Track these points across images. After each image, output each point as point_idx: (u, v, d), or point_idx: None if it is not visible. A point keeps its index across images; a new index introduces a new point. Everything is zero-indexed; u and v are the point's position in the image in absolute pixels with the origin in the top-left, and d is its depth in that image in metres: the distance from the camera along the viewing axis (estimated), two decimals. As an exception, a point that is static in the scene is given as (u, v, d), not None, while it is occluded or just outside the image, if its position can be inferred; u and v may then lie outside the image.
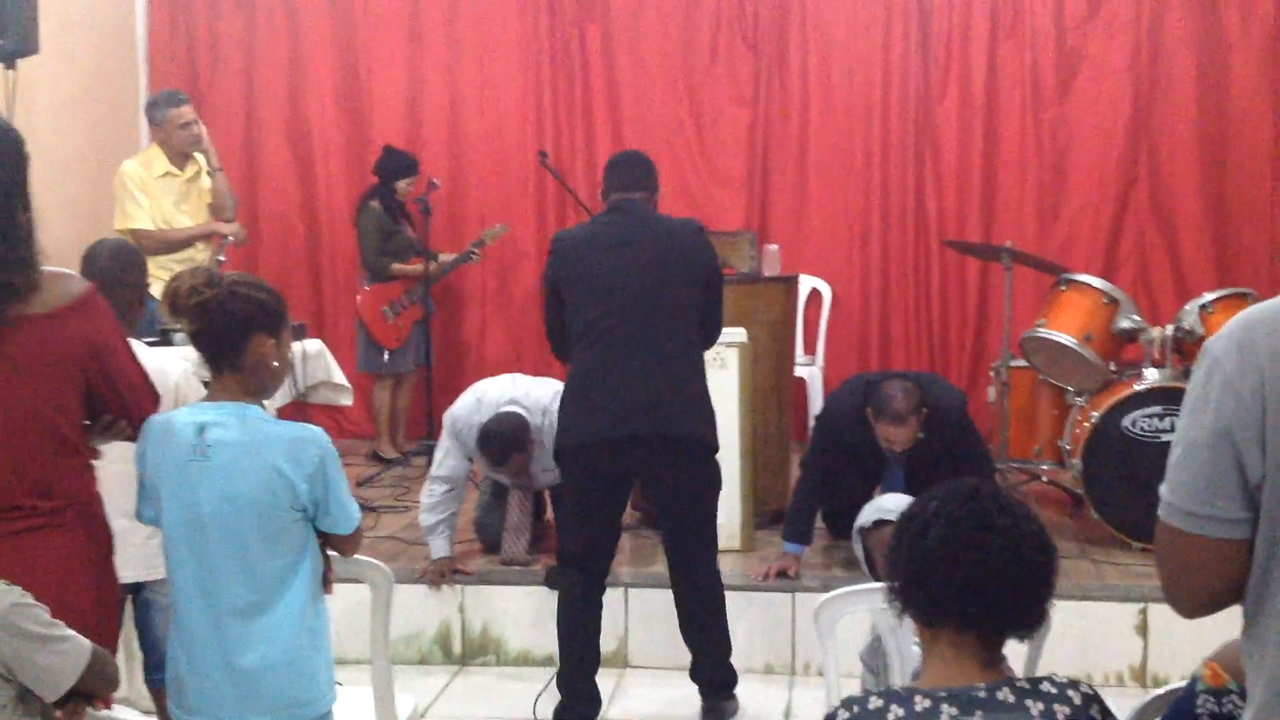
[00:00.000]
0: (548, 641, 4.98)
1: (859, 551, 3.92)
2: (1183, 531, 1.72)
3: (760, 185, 7.44)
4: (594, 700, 4.31)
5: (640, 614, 4.94)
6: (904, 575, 1.96)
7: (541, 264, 7.49)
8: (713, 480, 4.24)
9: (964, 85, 7.22)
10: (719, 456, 4.26)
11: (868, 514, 3.87)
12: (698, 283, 4.15)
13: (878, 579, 3.54)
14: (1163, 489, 1.75)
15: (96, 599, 2.73)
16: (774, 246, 6.22)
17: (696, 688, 4.41)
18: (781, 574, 4.89)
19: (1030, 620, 1.94)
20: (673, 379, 4.06)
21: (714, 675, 4.38)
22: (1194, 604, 1.77)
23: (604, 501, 4.19)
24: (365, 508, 5.73)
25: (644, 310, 4.06)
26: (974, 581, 1.89)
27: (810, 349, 7.28)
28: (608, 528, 4.25)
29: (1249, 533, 1.70)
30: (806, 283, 7.19)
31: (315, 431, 2.75)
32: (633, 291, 4.06)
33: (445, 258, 7.06)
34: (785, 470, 5.70)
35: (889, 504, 3.81)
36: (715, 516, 4.32)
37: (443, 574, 5.01)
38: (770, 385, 5.59)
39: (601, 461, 4.09)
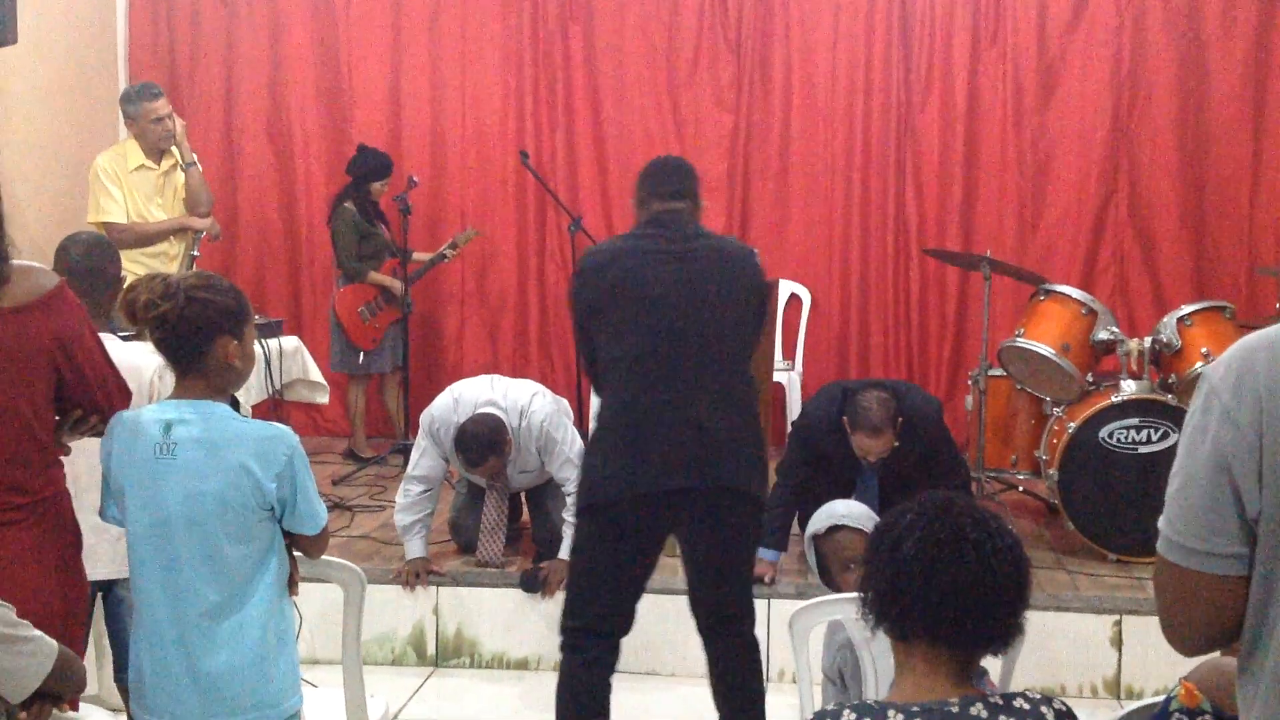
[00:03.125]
0: (522, 644, 4.98)
1: (811, 558, 3.67)
2: (1181, 567, 1.67)
3: (741, 189, 7.42)
4: None
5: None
6: (877, 588, 1.95)
7: (520, 265, 7.59)
8: (757, 538, 3.81)
9: (945, 93, 7.22)
10: None
11: (820, 520, 3.59)
12: (749, 311, 3.64)
13: (830, 585, 3.52)
14: (1161, 522, 1.70)
15: (63, 598, 2.70)
16: (754, 251, 6.20)
17: None
18: (757, 580, 4.87)
19: (1004, 635, 1.93)
20: (722, 421, 3.51)
21: None
22: (1194, 640, 1.72)
23: (633, 562, 3.60)
24: (341, 506, 5.72)
25: (689, 339, 3.50)
26: (947, 597, 1.88)
27: (789, 354, 7.27)
28: (633, 591, 3.63)
29: (1248, 568, 1.64)
30: (786, 287, 7.20)
31: (283, 430, 2.73)
32: (677, 316, 3.50)
33: (420, 256, 7.01)
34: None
35: (840, 509, 3.60)
36: (752, 580, 3.85)
37: (417, 574, 4.98)
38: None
39: (639, 518, 3.53)
